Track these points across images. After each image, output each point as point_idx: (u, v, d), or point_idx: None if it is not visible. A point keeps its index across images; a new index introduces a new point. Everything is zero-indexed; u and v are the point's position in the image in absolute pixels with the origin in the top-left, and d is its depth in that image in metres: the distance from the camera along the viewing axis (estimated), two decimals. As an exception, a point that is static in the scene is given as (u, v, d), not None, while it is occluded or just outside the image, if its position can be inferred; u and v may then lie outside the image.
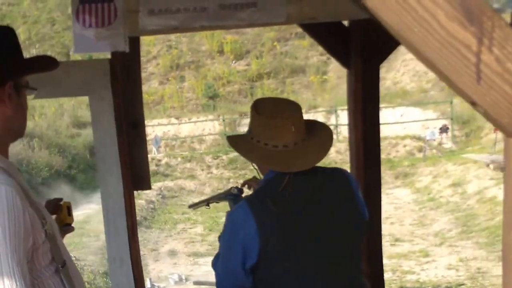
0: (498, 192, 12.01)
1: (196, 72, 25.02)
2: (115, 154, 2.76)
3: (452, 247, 10.13)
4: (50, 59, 1.75)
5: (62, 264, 1.63)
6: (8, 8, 27.23)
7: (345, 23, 3.21)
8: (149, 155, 5.62)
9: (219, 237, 2.08)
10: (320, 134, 2.02)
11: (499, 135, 15.07)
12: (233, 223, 1.91)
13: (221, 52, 25.25)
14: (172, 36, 24.69)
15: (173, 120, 22.12)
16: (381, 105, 3.30)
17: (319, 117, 20.06)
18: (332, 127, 13.11)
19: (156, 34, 2.96)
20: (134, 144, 2.88)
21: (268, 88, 23.58)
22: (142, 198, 14.07)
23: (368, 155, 3.13)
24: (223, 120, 21.37)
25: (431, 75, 22.11)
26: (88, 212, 12.86)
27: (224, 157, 18.40)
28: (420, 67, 22.36)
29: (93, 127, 2.81)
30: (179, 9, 2.78)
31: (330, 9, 2.81)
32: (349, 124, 3.24)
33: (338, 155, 17.63)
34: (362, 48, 3.09)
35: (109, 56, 2.84)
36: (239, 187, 2.33)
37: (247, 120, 20.91)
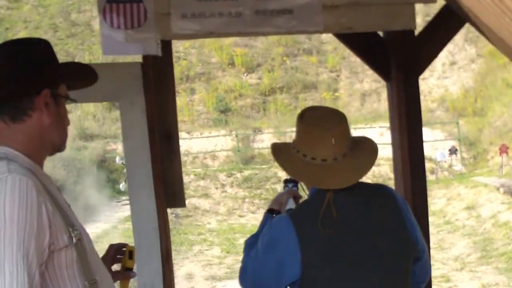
0: (511, 217, 12.02)
1: (207, 84, 24.56)
2: (147, 167, 2.53)
3: (473, 272, 9.92)
4: (88, 72, 1.69)
5: (91, 282, 1.55)
6: (7, 12, 26.31)
7: (380, 34, 3.08)
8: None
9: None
10: (363, 152, 1.92)
11: (505, 158, 15.55)
12: (275, 230, 1.84)
13: (231, 64, 24.93)
14: (180, 47, 24.40)
15: (184, 135, 21.83)
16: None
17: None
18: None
19: (189, 39, 2.82)
20: (167, 158, 2.64)
21: (281, 103, 23.19)
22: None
23: (414, 175, 2.94)
24: (236, 136, 20.97)
25: (436, 94, 21.91)
26: (96, 232, 12.41)
27: (238, 175, 17.99)
28: (424, 86, 22.08)
29: (123, 136, 2.61)
30: (213, 13, 2.65)
31: (366, 19, 2.72)
32: (393, 143, 3.06)
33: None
34: (402, 60, 2.95)
35: (138, 59, 2.68)
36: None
37: (261, 136, 20.71)
